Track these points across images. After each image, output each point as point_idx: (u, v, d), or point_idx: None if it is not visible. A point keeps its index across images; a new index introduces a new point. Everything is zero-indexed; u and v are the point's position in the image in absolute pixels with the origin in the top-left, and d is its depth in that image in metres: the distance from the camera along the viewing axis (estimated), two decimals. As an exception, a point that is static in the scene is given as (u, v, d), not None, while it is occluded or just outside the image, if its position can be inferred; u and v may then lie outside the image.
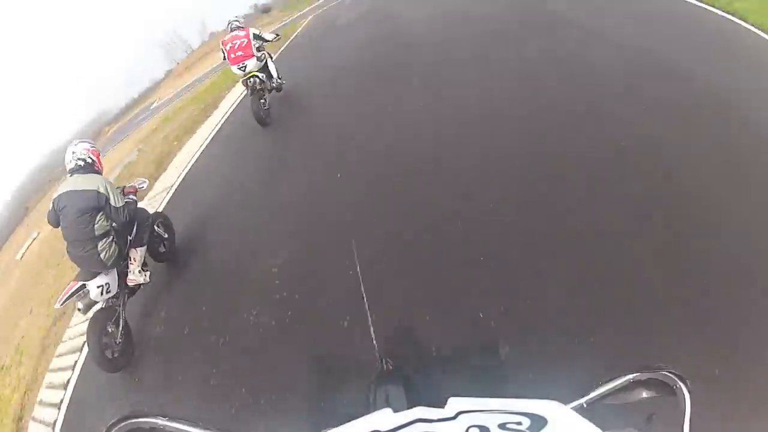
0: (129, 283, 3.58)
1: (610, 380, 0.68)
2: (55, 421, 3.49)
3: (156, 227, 4.10)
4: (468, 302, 2.57)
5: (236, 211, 4.79)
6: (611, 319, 2.26)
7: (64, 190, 3.22)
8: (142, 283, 3.69)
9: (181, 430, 0.64)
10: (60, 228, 3.27)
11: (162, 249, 4.21)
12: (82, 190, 3.18)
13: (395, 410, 0.61)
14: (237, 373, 2.88)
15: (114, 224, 3.36)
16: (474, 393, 0.64)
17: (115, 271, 3.43)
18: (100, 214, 3.21)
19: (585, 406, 0.68)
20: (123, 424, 0.63)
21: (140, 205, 3.94)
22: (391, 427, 0.57)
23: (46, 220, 3.46)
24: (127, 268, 3.61)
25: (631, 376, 0.68)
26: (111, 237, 3.32)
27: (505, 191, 3.37)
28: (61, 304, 3.22)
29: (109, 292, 3.36)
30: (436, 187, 3.70)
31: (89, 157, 3.38)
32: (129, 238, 3.58)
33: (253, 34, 5.72)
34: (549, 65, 4.98)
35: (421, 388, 1.20)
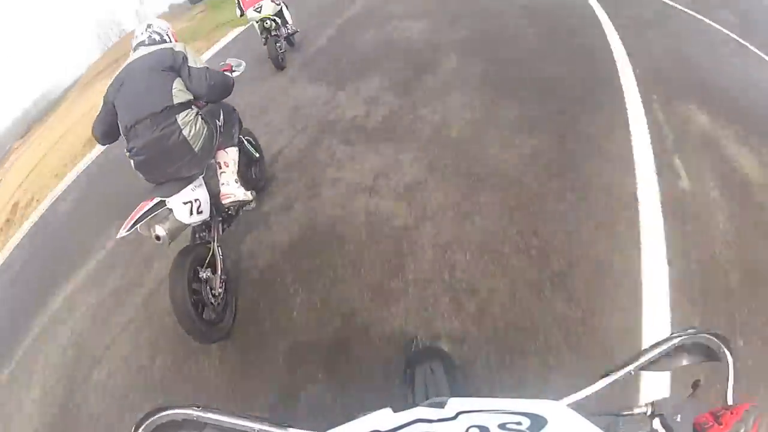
0: (223, 201, 2.53)
1: (656, 345, 0.68)
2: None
3: (245, 140, 3.07)
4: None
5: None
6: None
7: (125, 65, 2.36)
8: (243, 203, 2.63)
9: (217, 419, 0.61)
10: (118, 120, 2.29)
11: (252, 174, 3.29)
12: (151, 52, 2.32)
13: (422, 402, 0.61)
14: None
15: (196, 99, 2.35)
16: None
17: (203, 184, 2.42)
18: (177, 79, 2.25)
19: (632, 373, 0.68)
20: (153, 418, 0.60)
21: None
22: (391, 427, 0.57)
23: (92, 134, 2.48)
24: (219, 181, 2.55)
25: (676, 341, 0.67)
26: (195, 110, 2.30)
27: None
28: (129, 231, 2.09)
29: (201, 212, 2.34)
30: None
31: (168, 35, 2.56)
32: (218, 123, 2.47)
33: None
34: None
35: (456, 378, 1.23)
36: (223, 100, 2.60)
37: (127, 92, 2.24)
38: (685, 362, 0.69)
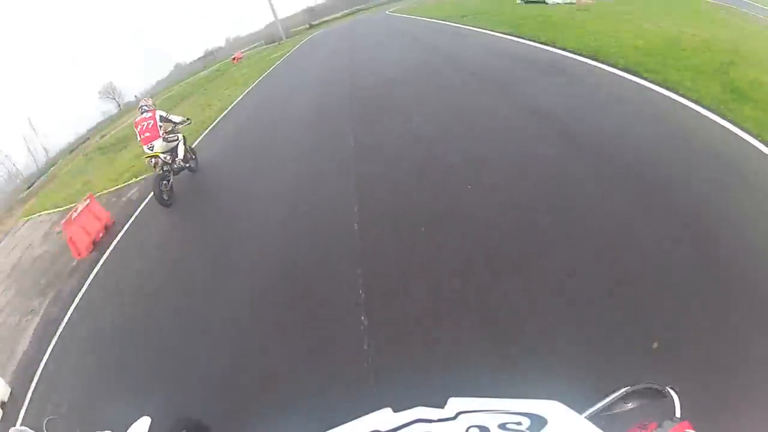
0: None
1: (608, 395, 0.73)
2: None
3: None
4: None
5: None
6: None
7: None
8: None
9: None
10: None
11: None
12: None
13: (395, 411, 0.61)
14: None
15: None
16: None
17: None
18: None
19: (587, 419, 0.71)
20: None
21: None
22: (391, 427, 0.57)
23: None
24: None
25: (625, 389, 0.73)
26: None
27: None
28: None
29: None
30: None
31: None
32: None
33: (160, 116, 6.10)
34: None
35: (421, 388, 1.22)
36: None
37: None
38: (636, 404, 0.75)
